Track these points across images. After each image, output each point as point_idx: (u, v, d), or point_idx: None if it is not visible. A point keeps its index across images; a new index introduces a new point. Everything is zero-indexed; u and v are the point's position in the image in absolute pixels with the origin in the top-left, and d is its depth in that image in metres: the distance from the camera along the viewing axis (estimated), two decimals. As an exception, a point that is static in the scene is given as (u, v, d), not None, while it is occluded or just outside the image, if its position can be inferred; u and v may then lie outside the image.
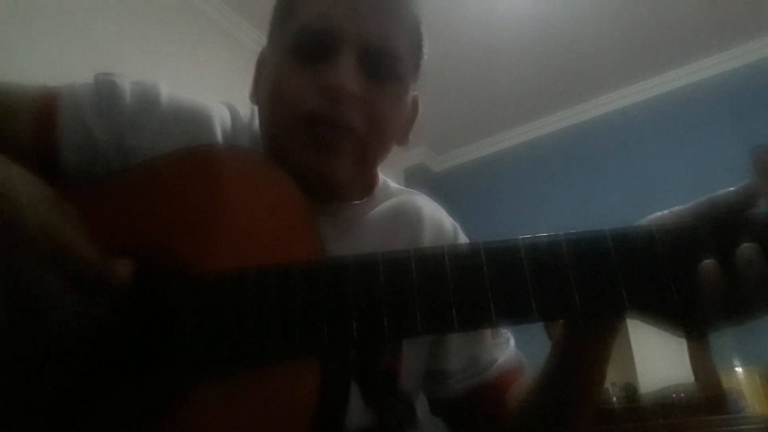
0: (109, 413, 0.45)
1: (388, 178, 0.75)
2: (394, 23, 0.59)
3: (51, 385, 0.43)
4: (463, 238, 0.74)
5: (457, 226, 0.75)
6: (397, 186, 0.75)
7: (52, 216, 0.40)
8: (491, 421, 0.65)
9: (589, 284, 0.40)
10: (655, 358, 2.23)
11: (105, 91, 0.58)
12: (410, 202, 0.72)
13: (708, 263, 0.39)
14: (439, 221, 0.73)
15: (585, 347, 0.53)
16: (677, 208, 0.44)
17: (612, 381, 2.20)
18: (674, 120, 2.80)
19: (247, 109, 0.68)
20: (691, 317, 0.40)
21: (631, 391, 2.19)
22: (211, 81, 2.09)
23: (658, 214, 0.45)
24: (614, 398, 2.16)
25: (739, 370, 2.07)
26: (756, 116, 2.51)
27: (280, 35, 0.61)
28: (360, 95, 0.56)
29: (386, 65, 0.59)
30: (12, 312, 0.39)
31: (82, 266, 0.41)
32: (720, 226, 0.41)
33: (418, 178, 3.25)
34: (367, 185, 0.70)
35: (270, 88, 0.60)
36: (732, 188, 0.42)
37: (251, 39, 2.40)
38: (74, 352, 0.43)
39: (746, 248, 0.38)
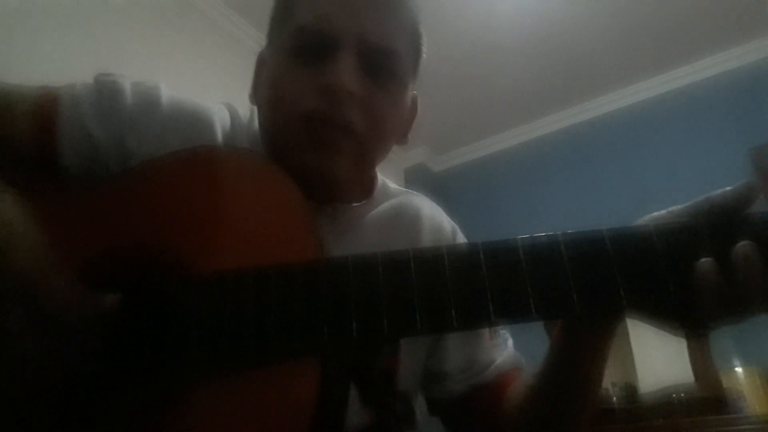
0: (109, 413, 0.45)
1: (388, 178, 0.75)
2: (392, 22, 0.60)
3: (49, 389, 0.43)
4: (462, 239, 0.74)
5: (456, 227, 0.75)
6: (396, 187, 0.75)
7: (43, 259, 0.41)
8: (490, 421, 0.65)
9: (588, 284, 0.41)
10: (655, 358, 2.23)
11: (105, 92, 0.58)
12: (409, 204, 0.72)
13: (705, 262, 0.39)
14: (438, 222, 0.73)
15: (583, 346, 0.53)
16: (675, 207, 0.44)
17: (612, 381, 2.20)
18: (674, 120, 2.80)
19: (247, 110, 0.68)
20: (690, 316, 0.40)
21: (631, 391, 2.20)
22: (211, 81, 2.09)
23: (656, 213, 0.45)
24: (614, 398, 2.16)
25: (739, 370, 2.07)
26: (756, 116, 2.51)
27: (279, 36, 0.61)
28: (359, 95, 0.56)
29: (385, 65, 0.59)
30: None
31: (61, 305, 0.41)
32: (717, 225, 0.41)
33: (418, 178, 3.25)
34: (366, 186, 0.70)
35: (269, 89, 0.60)
36: (729, 188, 0.42)
37: (251, 39, 2.40)
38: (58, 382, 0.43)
39: (743, 246, 0.39)
